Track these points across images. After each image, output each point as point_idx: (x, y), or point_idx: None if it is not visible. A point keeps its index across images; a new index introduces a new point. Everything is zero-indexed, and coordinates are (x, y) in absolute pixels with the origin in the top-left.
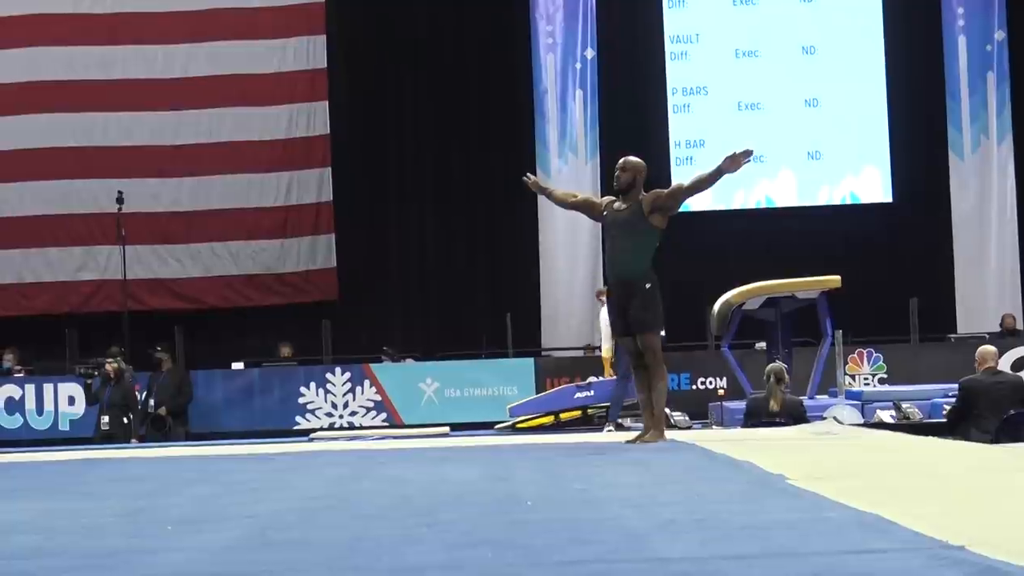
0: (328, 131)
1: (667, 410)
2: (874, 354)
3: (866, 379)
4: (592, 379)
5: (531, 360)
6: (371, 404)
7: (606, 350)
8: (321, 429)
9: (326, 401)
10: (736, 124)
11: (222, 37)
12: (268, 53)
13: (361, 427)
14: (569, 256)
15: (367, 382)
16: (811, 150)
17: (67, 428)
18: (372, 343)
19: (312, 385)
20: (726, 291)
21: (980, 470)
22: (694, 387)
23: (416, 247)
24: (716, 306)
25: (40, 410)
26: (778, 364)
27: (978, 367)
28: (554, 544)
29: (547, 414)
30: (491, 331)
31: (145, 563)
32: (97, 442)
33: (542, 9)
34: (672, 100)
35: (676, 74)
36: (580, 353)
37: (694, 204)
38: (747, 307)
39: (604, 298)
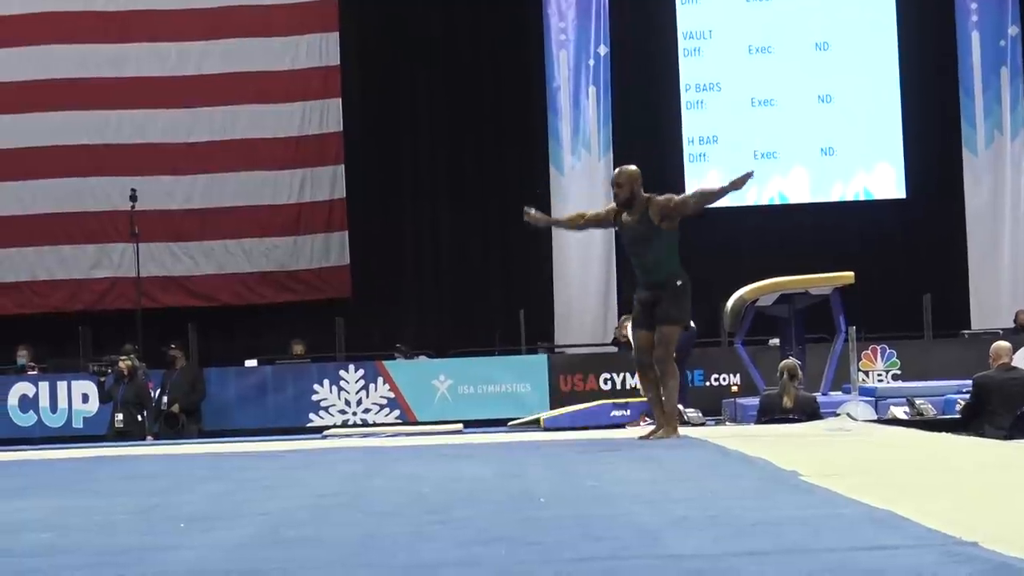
0: (341, 128)
1: (680, 406)
2: (888, 350)
3: (880, 375)
4: (630, 399)
5: (544, 357)
6: (384, 401)
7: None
8: (334, 426)
9: (339, 398)
10: (749, 120)
11: (235, 34)
12: (281, 50)
13: (374, 424)
14: (582, 252)
15: (380, 379)
16: (824, 146)
17: (80, 426)
18: (385, 340)
19: (325, 382)
20: (739, 287)
21: (993, 466)
22: (707, 383)
23: (429, 244)
24: (729, 302)
25: (54, 407)
26: (791, 360)
27: (992, 363)
28: (567, 541)
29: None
30: (504, 328)
31: (158, 560)
32: (110, 439)
33: (555, 6)
34: (685, 96)
35: (689, 70)
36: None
37: None
38: (760, 303)
39: (628, 326)
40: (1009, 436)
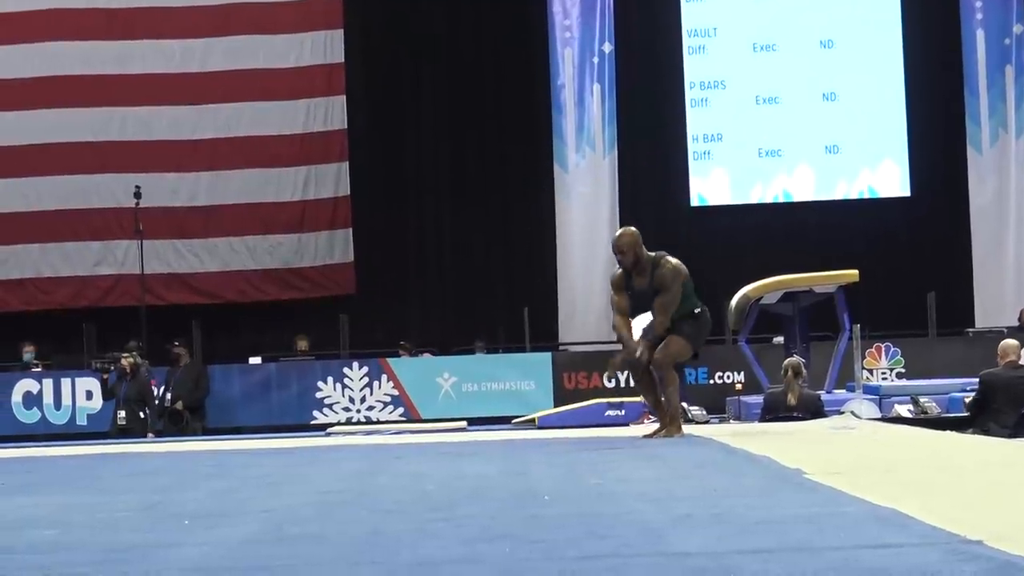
0: (345, 125)
1: (684, 404)
2: (892, 348)
3: (884, 373)
4: (625, 399)
5: (548, 354)
6: (388, 399)
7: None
8: (338, 424)
9: (343, 396)
10: (754, 118)
11: (240, 32)
12: (286, 47)
13: (378, 422)
14: (586, 250)
15: (384, 377)
16: (829, 144)
17: (85, 423)
18: (389, 337)
19: (329, 380)
20: (743, 285)
21: (998, 464)
22: (711, 381)
23: (433, 241)
24: (734, 300)
25: (58, 404)
26: (795, 358)
27: (1000, 361)
28: (571, 538)
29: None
30: (508, 325)
31: (162, 557)
32: (112, 437)
33: (559, 3)
34: (690, 94)
35: (694, 68)
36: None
37: (711, 198)
38: (765, 301)
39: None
40: (1014, 434)
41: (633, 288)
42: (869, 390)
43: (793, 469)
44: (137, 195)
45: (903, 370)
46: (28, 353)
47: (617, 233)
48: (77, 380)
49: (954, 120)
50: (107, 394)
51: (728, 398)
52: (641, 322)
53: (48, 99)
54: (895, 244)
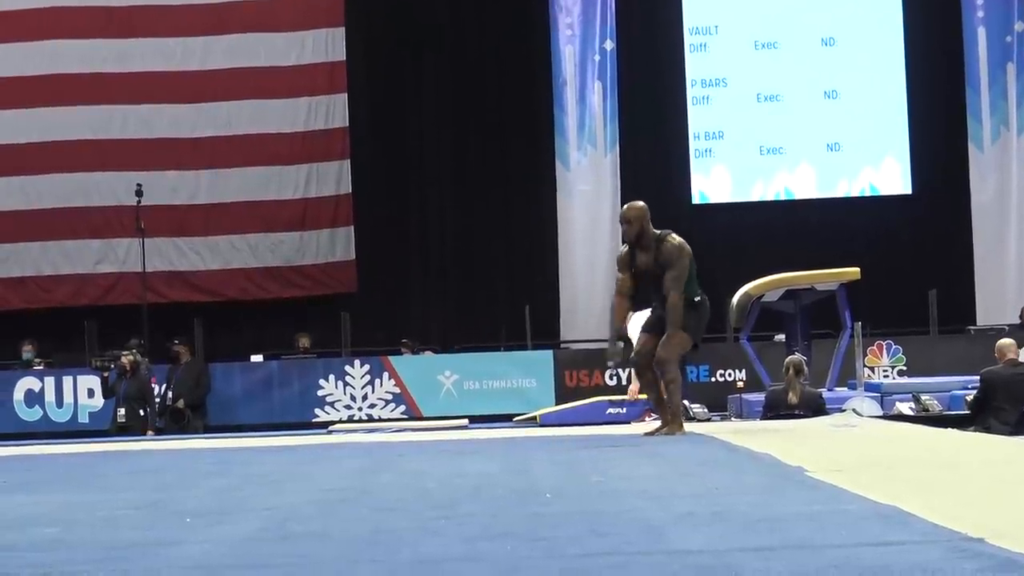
0: (347, 123)
1: (685, 402)
2: (893, 346)
3: (885, 371)
4: (626, 398)
5: (550, 352)
6: (390, 396)
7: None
8: (340, 422)
9: (345, 394)
10: (755, 116)
11: (241, 30)
12: (287, 45)
13: (380, 419)
14: (588, 248)
15: (386, 374)
16: (830, 142)
17: (86, 420)
18: (391, 335)
19: (331, 378)
20: (745, 283)
21: (999, 462)
22: (713, 379)
23: (435, 240)
24: (735, 298)
25: (59, 402)
26: (797, 356)
27: (999, 359)
28: (572, 536)
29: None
30: (510, 323)
31: (163, 555)
32: (113, 434)
33: (561, 1)
34: (691, 92)
35: (695, 66)
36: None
37: (712, 196)
38: (766, 299)
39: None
40: (1015, 432)
41: (637, 266)
42: (870, 388)
43: (794, 467)
44: (138, 193)
45: (904, 368)
46: (28, 352)
47: (627, 204)
48: (79, 378)
49: (955, 118)
50: (107, 392)
51: (729, 396)
52: (639, 320)
53: (48, 97)
54: (896, 242)
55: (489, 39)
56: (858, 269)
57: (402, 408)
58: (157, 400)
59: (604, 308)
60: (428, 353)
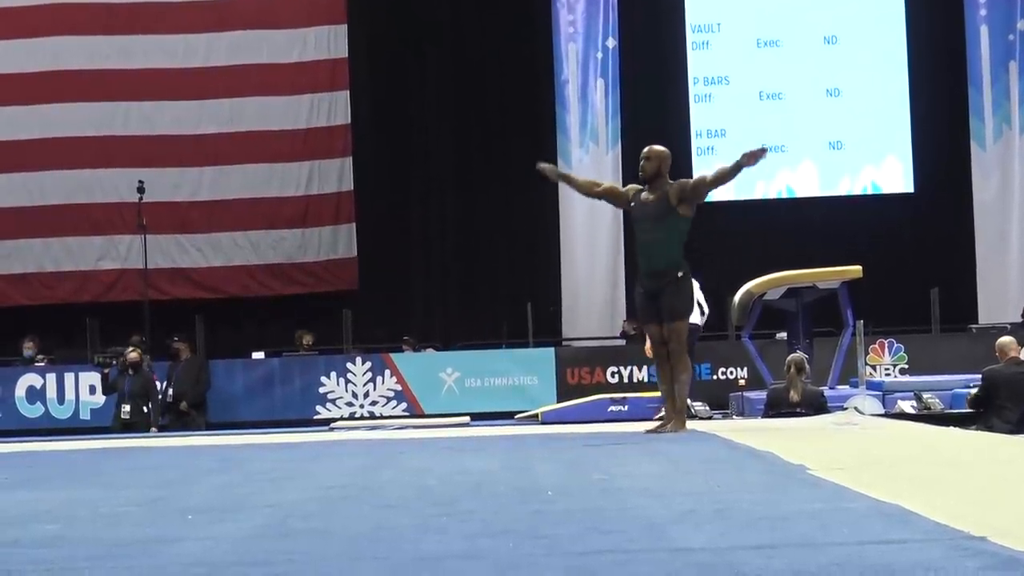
0: (349, 120)
1: (688, 400)
2: (895, 344)
3: (887, 369)
4: (628, 395)
5: (552, 349)
6: (391, 394)
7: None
8: (341, 419)
9: (346, 391)
10: (758, 114)
11: (243, 26)
12: (289, 42)
13: (381, 417)
14: (590, 245)
15: (387, 372)
16: (832, 140)
17: (88, 417)
18: (393, 332)
19: (332, 375)
20: (747, 281)
21: (1001, 461)
22: (715, 377)
23: (437, 237)
24: (737, 296)
25: (61, 399)
26: (799, 354)
27: (1000, 357)
28: (574, 534)
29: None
30: (512, 320)
31: (165, 552)
32: (116, 431)
33: None
34: (693, 90)
35: (697, 64)
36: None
37: (714, 194)
38: (768, 297)
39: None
40: (1017, 430)
41: (638, 202)
42: (872, 386)
43: (796, 465)
44: (140, 190)
45: (906, 366)
46: (28, 349)
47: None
48: (80, 375)
49: (958, 116)
50: (107, 389)
51: (731, 394)
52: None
53: (50, 94)
54: (898, 240)
55: (491, 36)
56: (860, 267)
57: (403, 405)
58: (159, 397)
59: (606, 306)
60: (430, 350)
